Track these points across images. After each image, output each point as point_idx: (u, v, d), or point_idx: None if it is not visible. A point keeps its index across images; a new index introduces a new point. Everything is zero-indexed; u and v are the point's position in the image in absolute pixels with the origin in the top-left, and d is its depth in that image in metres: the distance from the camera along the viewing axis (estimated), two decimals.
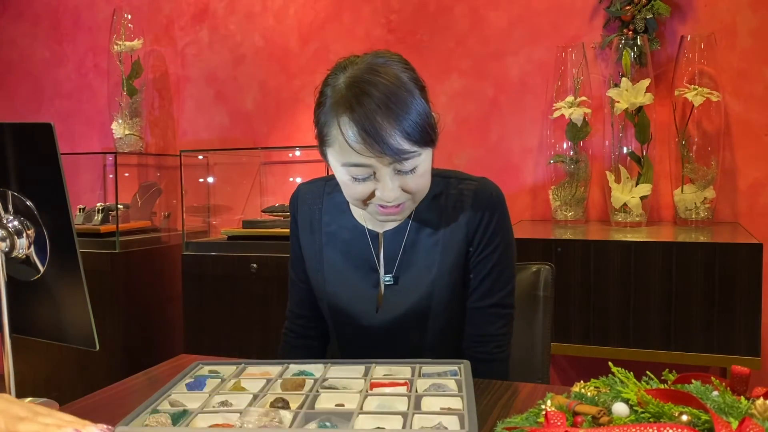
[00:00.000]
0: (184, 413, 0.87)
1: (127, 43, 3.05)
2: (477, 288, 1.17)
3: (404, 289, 1.17)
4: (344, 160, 1.02)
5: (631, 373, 0.71)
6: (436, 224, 1.16)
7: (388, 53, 1.05)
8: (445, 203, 1.16)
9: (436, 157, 1.23)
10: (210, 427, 0.84)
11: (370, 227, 1.20)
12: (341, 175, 1.05)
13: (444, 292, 1.15)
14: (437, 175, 1.18)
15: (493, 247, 1.15)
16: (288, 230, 1.37)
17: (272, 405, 0.88)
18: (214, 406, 0.90)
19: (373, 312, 1.18)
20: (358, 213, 1.22)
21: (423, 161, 1.03)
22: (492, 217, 1.14)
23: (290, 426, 0.82)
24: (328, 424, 0.82)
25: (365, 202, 1.06)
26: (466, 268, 1.17)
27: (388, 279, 1.17)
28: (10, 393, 0.73)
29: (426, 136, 1.01)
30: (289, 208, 1.32)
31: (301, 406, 0.87)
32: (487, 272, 1.16)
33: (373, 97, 0.96)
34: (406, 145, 0.98)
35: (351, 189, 1.05)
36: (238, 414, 0.85)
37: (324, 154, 1.09)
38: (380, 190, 1.03)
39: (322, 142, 1.06)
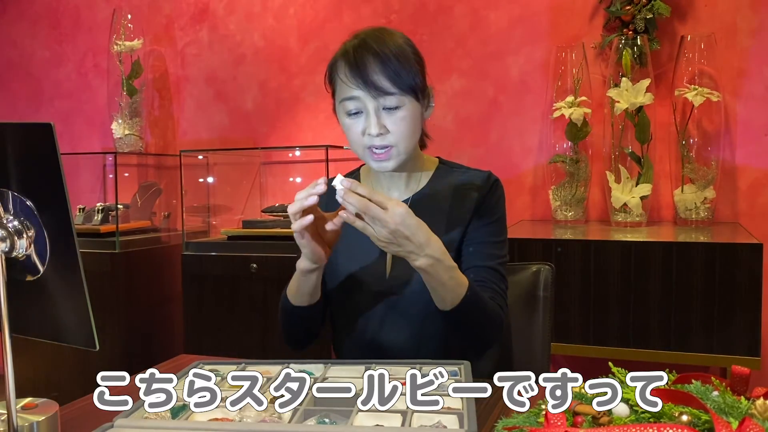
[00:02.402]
0: (184, 408, 0.87)
1: (127, 43, 3.05)
2: (474, 252, 1.25)
3: None
4: (341, 97, 1.18)
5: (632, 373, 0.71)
6: (444, 200, 1.27)
7: (396, 30, 1.24)
8: (453, 184, 1.28)
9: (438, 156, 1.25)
10: (209, 421, 0.84)
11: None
12: (342, 117, 1.20)
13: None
14: (446, 164, 1.34)
15: (495, 218, 1.26)
16: (287, 230, 1.39)
17: (272, 401, 0.88)
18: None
19: (384, 277, 1.25)
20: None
21: (406, 106, 1.16)
22: (495, 193, 1.27)
23: (289, 422, 0.82)
24: (327, 420, 0.82)
25: (363, 147, 1.19)
26: (466, 239, 1.26)
27: None
28: (9, 393, 0.74)
29: (408, 83, 1.15)
30: None
31: (300, 404, 0.87)
32: (485, 238, 1.25)
33: (369, 45, 1.16)
34: (387, 84, 1.14)
35: (349, 130, 1.19)
36: (238, 409, 0.85)
37: (335, 111, 1.24)
38: (367, 125, 1.16)
39: (333, 95, 1.23)
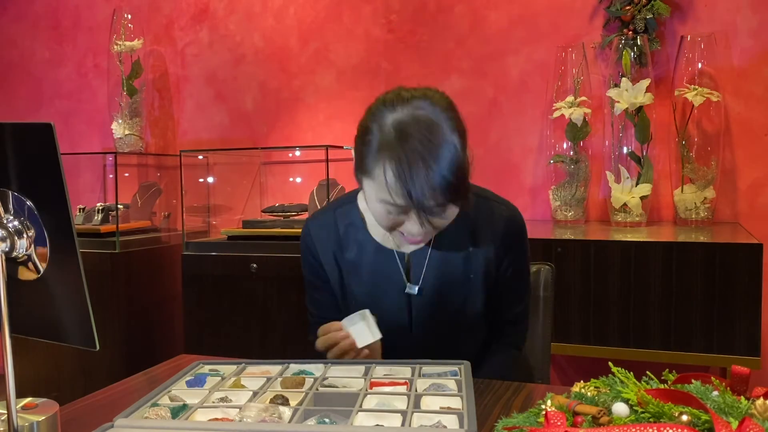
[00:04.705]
0: (184, 407, 0.87)
1: (127, 43, 3.05)
2: (498, 302, 1.26)
3: (436, 301, 1.22)
4: (381, 197, 1.06)
5: (631, 373, 0.71)
6: (466, 240, 1.22)
7: (433, 93, 1.08)
8: (475, 221, 1.23)
9: None
10: (209, 421, 0.84)
11: (393, 247, 1.24)
12: (375, 205, 1.09)
13: (477, 303, 1.23)
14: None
15: (519, 267, 1.27)
16: (287, 230, 1.38)
17: (272, 401, 0.88)
18: (213, 402, 0.90)
19: (407, 328, 1.23)
20: (380, 234, 1.25)
21: (451, 207, 1.07)
22: (520, 241, 1.26)
23: (289, 422, 0.82)
24: (327, 420, 0.82)
25: (397, 232, 1.12)
26: (492, 283, 1.25)
27: (414, 290, 1.22)
28: (9, 393, 0.73)
29: (457, 194, 1.05)
30: (300, 246, 1.32)
31: (300, 403, 0.87)
32: (510, 287, 1.27)
33: (419, 154, 1.00)
34: (432, 203, 1.03)
35: (382, 218, 1.10)
36: (238, 409, 0.85)
37: (360, 180, 1.12)
38: (409, 226, 1.08)
39: (363, 171, 1.08)
